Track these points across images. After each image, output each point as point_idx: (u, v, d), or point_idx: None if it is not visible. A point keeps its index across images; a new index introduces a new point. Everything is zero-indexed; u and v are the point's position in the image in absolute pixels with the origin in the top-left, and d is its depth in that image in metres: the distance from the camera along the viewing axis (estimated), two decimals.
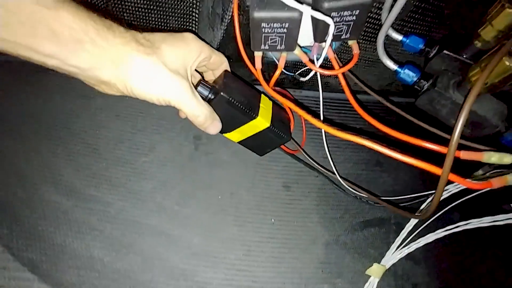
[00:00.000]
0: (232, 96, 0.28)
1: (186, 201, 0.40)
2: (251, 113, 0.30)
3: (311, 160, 0.42)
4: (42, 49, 0.19)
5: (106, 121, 0.44)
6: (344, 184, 0.39)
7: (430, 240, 0.39)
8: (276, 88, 0.41)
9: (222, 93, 0.28)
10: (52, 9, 0.19)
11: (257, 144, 0.35)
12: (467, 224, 0.37)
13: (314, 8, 0.29)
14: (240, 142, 0.34)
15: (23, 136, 0.40)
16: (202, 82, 0.29)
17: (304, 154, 0.42)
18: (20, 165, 0.38)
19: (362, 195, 0.41)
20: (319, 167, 0.42)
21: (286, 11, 0.25)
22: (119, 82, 0.23)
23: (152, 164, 0.42)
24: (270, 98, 0.36)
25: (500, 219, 0.34)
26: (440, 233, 0.39)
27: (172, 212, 0.39)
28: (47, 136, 0.41)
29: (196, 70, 0.31)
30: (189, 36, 0.27)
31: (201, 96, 0.28)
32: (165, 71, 0.24)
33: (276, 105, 0.35)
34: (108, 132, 0.43)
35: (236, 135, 0.33)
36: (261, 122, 0.31)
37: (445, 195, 0.36)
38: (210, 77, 0.33)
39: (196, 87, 0.28)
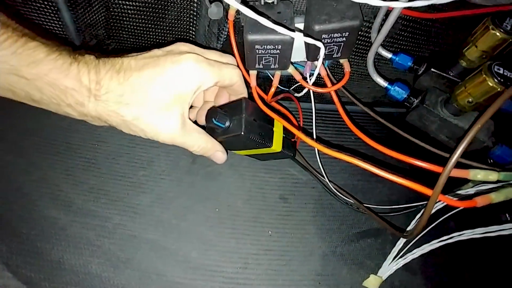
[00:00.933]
0: (251, 132, 0.28)
1: (184, 214, 0.41)
2: (267, 143, 0.29)
3: (307, 164, 0.42)
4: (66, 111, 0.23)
5: (105, 136, 0.44)
6: (333, 189, 0.40)
7: (426, 251, 0.40)
8: (278, 97, 0.42)
9: (242, 133, 0.27)
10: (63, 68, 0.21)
11: (262, 157, 0.36)
12: (461, 235, 0.38)
13: (306, 29, 0.30)
14: (245, 155, 0.35)
15: (23, 151, 0.40)
16: (219, 112, 0.27)
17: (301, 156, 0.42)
18: (19, 180, 0.39)
19: (350, 200, 0.42)
20: (313, 170, 0.42)
21: (278, 34, 0.26)
22: (124, 127, 0.25)
23: (150, 177, 0.42)
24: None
25: (493, 230, 0.34)
26: (435, 244, 0.40)
27: (170, 225, 0.40)
28: (47, 151, 0.41)
29: None
30: (187, 64, 0.24)
31: (219, 126, 0.27)
32: (158, 110, 0.23)
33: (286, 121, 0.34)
34: (107, 146, 0.43)
35: (244, 152, 0.33)
36: (275, 147, 0.31)
37: (439, 205, 0.37)
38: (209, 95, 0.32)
39: (212, 116, 0.27)
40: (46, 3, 0.33)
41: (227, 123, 0.27)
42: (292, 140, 0.36)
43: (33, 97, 0.22)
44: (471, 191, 0.28)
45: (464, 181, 0.33)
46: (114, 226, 0.38)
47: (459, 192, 0.30)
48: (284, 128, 0.33)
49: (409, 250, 0.40)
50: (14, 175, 0.39)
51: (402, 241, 0.40)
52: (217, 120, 0.27)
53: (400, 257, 0.40)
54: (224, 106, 0.30)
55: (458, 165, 0.24)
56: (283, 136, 0.32)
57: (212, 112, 0.27)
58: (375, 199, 0.46)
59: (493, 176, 0.22)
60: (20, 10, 0.34)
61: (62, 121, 0.43)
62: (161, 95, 0.23)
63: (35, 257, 0.34)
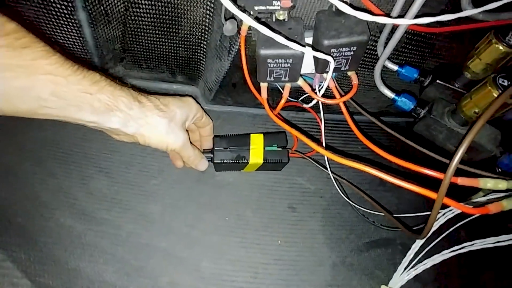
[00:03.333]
0: (222, 158, 0.38)
1: (194, 223, 0.41)
2: (243, 160, 0.38)
3: (318, 165, 0.43)
4: (85, 119, 0.26)
5: (118, 146, 0.45)
6: (348, 200, 0.40)
7: (437, 262, 0.39)
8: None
9: (215, 161, 0.38)
10: (93, 94, 0.26)
11: (267, 169, 0.42)
12: (472, 245, 0.37)
13: (315, 43, 0.31)
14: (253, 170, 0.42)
15: (41, 161, 0.42)
16: (204, 150, 0.39)
17: (312, 161, 0.43)
18: (37, 189, 0.40)
19: (363, 209, 0.42)
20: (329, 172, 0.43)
21: (290, 49, 0.28)
22: (139, 136, 0.30)
23: (161, 186, 0.43)
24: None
25: (504, 240, 0.34)
26: (446, 254, 0.39)
27: (181, 234, 0.40)
28: (63, 160, 0.43)
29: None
30: (190, 100, 0.36)
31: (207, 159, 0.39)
32: (176, 128, 0.32)
33: (269, 134, 0.40)
34: (120, 156, 0.45)
35: (247, 170, 0.42)
36: (255, 161, 0.38)
37: (450, 215, 0.37)
38: (196, 137, 0.41)
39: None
40: (70, 21, 0.35)
41: (211, 156, 0.38)
42: (285, 148, 0.40)
43: (94, 105, 0.26)
44: (483, 200, 0.28)
45: (474, 191, 0.33)
46: (127, 235, 0.39)
47: (470, 201, 0.30)
48: (274, 140, 0.39)
49: (420, 261, 0.40)
50: (33, 184, 0.40)
51: (413, 251, 0.40)
52: (207, 156, 0.39)
53: (411, 267, 0.40)
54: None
55: (468, 174, 0.25)
56: (266, 150, 0.38)
57: (204, 151, 0.39)
58: (384, 207, 0.46)
59: (502, 184, 0.22)
60: (43, 28, 0.36)
61: (78, 131, 0.45)
62: (179, 117, 0.33)
63: (52, 265, 0.35)
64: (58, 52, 0.24)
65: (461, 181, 0.23)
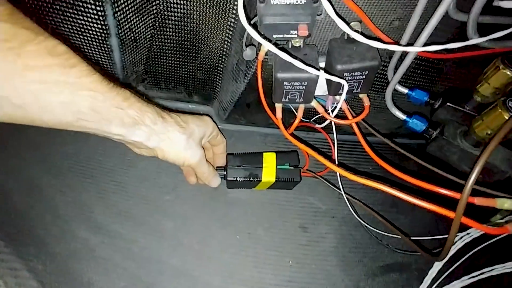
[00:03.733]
0: (235, 176, 0.39)
1: (206, 240, 0.41)
2: (256, 179, 0.39)
3: (329, 185, 0.44)
4: (113, 131, 0.28)
5: (134, 161, 0.47)
6: (356, 217, 0.39)
7: None
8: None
9: (228, 178, 0.39)
10: (124, 109, 0.28)
11: (278, 188, 0.42)
12: (492, 270, 0.36)
13: (328, 68, 0.33)
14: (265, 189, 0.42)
15: (61, 174, 0.44)
16: (218, 168, 0.40)
17: (323, 180, 0.44)
18: (56, 200, 0.41)
19: (377, 230, 0.41)
20: (338, 189, 0.43)
21: (305, 72, 0.29)
22: (159, 150, 0.31)
23: (174, 202, 0.44)
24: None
25: None
26: (465, 280, 0.38)
27: (193, 251, 0.40)
28: (82, 173, 0.44)
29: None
30: (208, 119, 0.37)
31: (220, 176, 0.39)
32: (193, 144, 0.33)
33: (282, 153, 0.41)
34: (136, 171, 0.46)
35: (259, 188, 0.42)
36: (267, 180, 0.39)
37: (467, 239, 0.36)
38: (209, 154, 0.42)
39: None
40: (103, 46, 0.38)
41: (223, 173, 0.39)
42: (297, 167, 0.40)
43: (123, 119, 0.28)
44: (501, 221, 0.27)
45: (491, 214, 0.32)
46: (140, 250, 0.39)
47: (489, 223, 0.30)
48: (286, 159, 0.40)
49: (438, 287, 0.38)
50: (51, 195, 0.41)
51: (430, 277, 0.38)
52: (217, 170, 0.40)
53: None
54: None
55: (484, 195, 0.25)
56: (278, 168, 0.39)
57: (217, 169, 0.40)
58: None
59: None
60: (80, 50, 0.39)
61: (98, 147, 0.47)
62: (197, 134, 0.35)
63: (67, 277, 0.35)
64: (98, 71, 0.26)
65: (478, 201, 0.23)
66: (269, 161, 0.40)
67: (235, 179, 0.39)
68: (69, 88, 0.24)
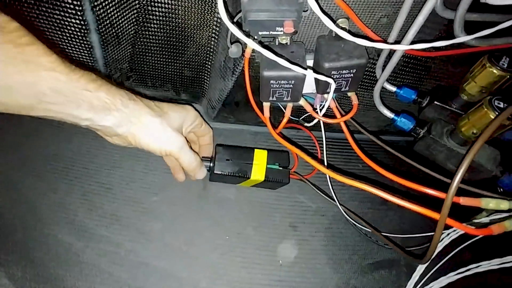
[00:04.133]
0: (223, 170, 0.37)
1: (194, 241, 0.41)
2: (244, 175, 0.37)
3: (316, 190, 0.43)
4: (82, 115, 0.26)
5: (120, 161, 0.46)
6: (347, 217, 0.40)
7: (443, 284, 0.38)
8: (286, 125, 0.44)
9: (215, 171, 0.36)
10: (93, 91, 0.26)
11: (263, 187, 0.41)
12: (478, 266, 0.37)
13: (316, 65, 0.32)
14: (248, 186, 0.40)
15: (44, 176, 0.42)
16: (203, 158, 0.37)
17: (310, 185, 0.43)
18: (38, 204, 0.40)
19: (364, 228, 0.41)
20: (323, 195, 0.43)
21: (292, 71, 0.29)
22: (130, 136, 0.29)
23: (162, 203, 0.43)
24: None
25: (509, 261, 0.34)
26: (452, 277, 0.38)
27: (181, 252, 0.39)
28: (66, 175, 0.43)
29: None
30: (189, 107, 0.35)
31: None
32: (169, 129, 0.31)
33: (273, 152, 0.39)
34: (122, 171, 0.45)
35: (243, 185, 0.40)
36: (256, 178, 0.37)
37: (454, 235, 0.37)
38: (196, 148, 0.40)
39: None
40: (83, 42, 0.37)
41: (209, 165, 0.37)
42: (286, 168, 0.39)
43: (93, 103, 0.26)
44: (486, 220, 0.28)
45: (478, 211, 0.33)
46: (125, 253, 0.38)
47: (474, 221, 0.30)
48: (277, 158, 0.39)
49: (425, 284, 0.39)
50: (33, 199, 0.40)
51: (418, 273, 0.39)
52: (203, 160, 0.37)
53: None
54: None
55: (470, 194, 0.25)
56: (268, 167, 0.38)
57: (203, 159, 0.37)
58: (387, 227, 0.46)
59: (504, 205, 0.22)
60: (58, 46, 0.37)
61: (82, 147, 0.46)
62: (175, 121, 0.32)
63: (49, 283, 0.34)
64: (57, 53, 0.24)
65: (463, 201, 0.23)
66: (260, 158, 0.38)
67: (222, 173, 0.36)
68: (26, 67, 0.22)
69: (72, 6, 0.32)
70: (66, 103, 0.24)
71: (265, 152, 0.39)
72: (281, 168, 0.39)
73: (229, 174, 0.37)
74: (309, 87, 0.35)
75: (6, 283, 0.33)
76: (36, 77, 0.23)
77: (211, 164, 0.37)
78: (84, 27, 0.34)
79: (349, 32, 0.26)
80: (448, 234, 0.37)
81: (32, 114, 0.24)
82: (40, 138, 0.45)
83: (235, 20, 0.30)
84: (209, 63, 0.43)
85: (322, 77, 0.27)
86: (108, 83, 0.27)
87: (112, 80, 0.45)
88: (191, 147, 0.34)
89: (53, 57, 0.24)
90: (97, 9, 0.33)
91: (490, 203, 0.23)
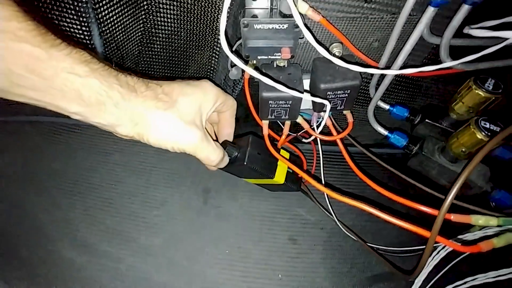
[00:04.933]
0: (253, 163, 0.32)
1: (195, 255, 0.41)
2: (269, 174, 0.34)
3: (316, 202, 0.44)
4: (69, 108, 0.21)
5: (122, 176, 0.47)
6: (344, 230, 0.40)
7: None
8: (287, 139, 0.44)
9: (245, 163, 0.32)
10: (83, 77, 0.20)
11: (270, 187, 0.40)
12: (474, 279, 0.37)
13: (312, 85, 0.34)
14: (254, 183, 0.38)
15: (47, 191, 0.43)
16: (229, 144, 0.32)
17: (311, 196, 0.44)
18: (42, 220, 0.40)
19: (361, 241, 0.42)
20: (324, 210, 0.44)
21: (290, 91, 0.30)
22: (136, 135, 0.24)
23: (163, 218, 0.44)
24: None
25: (504, 274, 0.34)
26: None
27: (181, 267, 0.40)
28: (69, 191, 0.43)
29: None
30: (206, 84, 0.28)
31: (228, 154, 0.31)
32: (180, 123, 0.25)
33: (292, 158, 0.38)
34: (124, 186, 0.46)
35: (254, 181, 0.38)
36: (277, 179, 0.35)
37: (450, 248, 0.37)
38: (214, 118, 0.33)
39: (224, 147, 0.31)
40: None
41: (235, 153, 0.32)
42: (299, 176, 0.38)
43: (82, 93, 0.21)
44: (479, 234, 0.29)
45: (470, 225, 0.34)
46: (127, 268, 0.38)
47: (468, 234, 0.31)
48: (295, 163, 0.36)
49: None
50: (37, 215, 0.41)
51: (416, 286, 0.39)
52: (227, 150, 0.31)
53: None
54: (235, 140, 0.34)
55: (462, 210, 0.26)
56: (288, 171, 0.36)
57: (223, 144, 0.32)
58: (384, 240, 0.46)
59: (493, 221, 0.23)
60: None
61: (85, 162, 0.46)
62: (189, 110, 0.26)
63: None
64: (39, 22, 0.18)
65: (455, 217, 0.24)
66: (283, 159, 0.35)
67: (253, 167, 0.32)
68: None
69: (81, 32, 0.34)
70: (47, 89, 0.19)
71: (287, 153, 0.36)
72: (292, 173, 0.37)
73: (256, 169, 0.32)
74: (306, 103, 0.37)
75: None
76: (2, 49, 0.16)
77: (238, 154, 0.32)
78: (91, 51, 0.36)
79: (342, 57, 0.27)
80: (444, 247, 0.38)
81: (9, 98, 0.19)
82: (44, 154, 0.46)
83: (235, 47, 0.32)
84: (210, 81, 0.45)
85: (318, 100, 0.29)
86: (105, 66, 0.21)
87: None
88: (208, 136, 0.27)
89: (28, 23, 0.17)
90: (104, 34, 0.34)
91: (479, 220, 0.24)
